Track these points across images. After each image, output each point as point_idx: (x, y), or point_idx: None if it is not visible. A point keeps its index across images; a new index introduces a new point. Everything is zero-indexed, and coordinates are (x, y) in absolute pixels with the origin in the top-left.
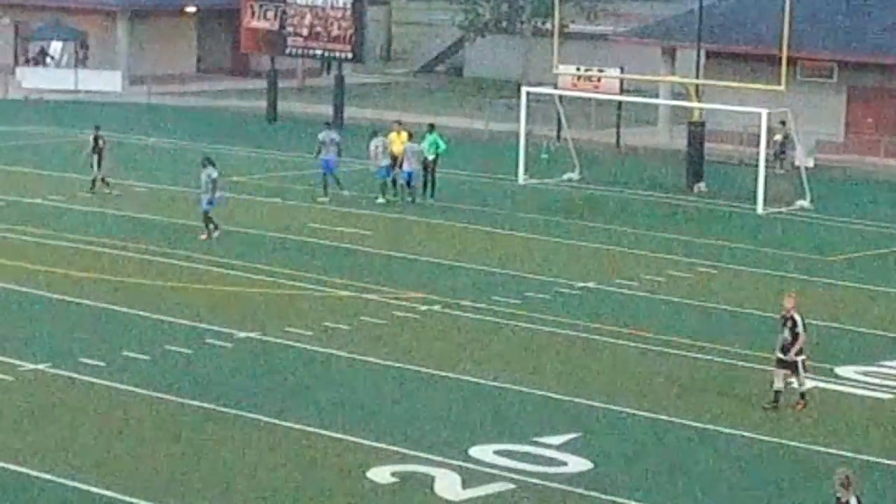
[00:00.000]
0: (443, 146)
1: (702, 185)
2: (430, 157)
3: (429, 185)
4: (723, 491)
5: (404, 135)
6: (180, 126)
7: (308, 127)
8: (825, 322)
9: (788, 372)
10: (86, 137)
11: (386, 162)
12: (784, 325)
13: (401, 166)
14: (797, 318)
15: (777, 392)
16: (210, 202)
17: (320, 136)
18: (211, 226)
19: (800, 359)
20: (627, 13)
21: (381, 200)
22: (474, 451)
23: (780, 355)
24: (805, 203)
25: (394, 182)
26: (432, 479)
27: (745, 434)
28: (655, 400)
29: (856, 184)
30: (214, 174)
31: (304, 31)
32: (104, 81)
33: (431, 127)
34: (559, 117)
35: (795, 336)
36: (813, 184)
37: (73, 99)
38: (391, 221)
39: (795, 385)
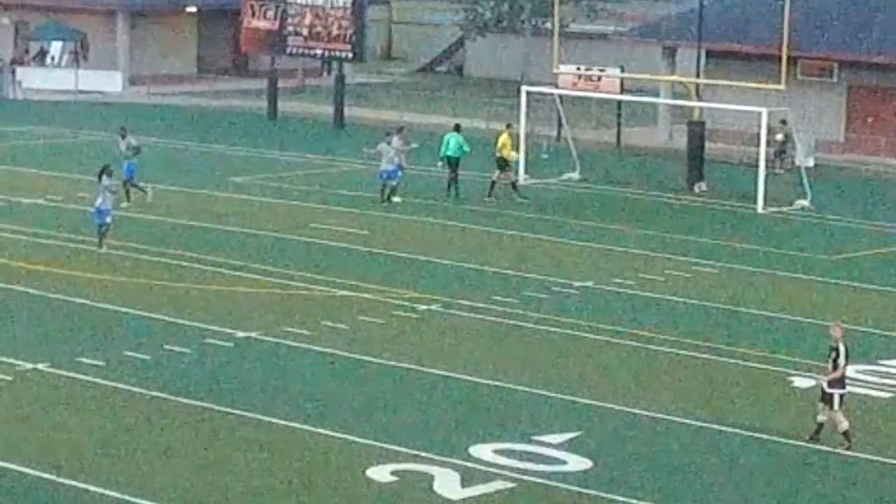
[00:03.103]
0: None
1: (702, 185)
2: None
3: (451, 184)
4: (723, 491)
5: (506, 137)
6: (180, 126)
7: (309, 127)
8: (825, 322)
9: (826, 405)
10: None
11: (389, 166)
12: (830, 354)
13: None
14: (841, 348)
15: (820, 424)
16: (102, 211)
17: (122, 145)
18: (103, 236)
19: (836, 392)
20: (627, 13)
21: (396, 200)
22: (474, 450)
23: (825, 386)
24: (805, 203)
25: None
26: (432, 477)
27: (745, 434)
28: (655, 399)
29: (856, 184)
30: (107, 182)
31: (305, 31)
32: (104, 81)
33: (457, 127)
34: (559, 117)
35: (835, 367)
36: (813, 183)
37: (73, 99)
38: (390, 221)
39: (822, 418)
